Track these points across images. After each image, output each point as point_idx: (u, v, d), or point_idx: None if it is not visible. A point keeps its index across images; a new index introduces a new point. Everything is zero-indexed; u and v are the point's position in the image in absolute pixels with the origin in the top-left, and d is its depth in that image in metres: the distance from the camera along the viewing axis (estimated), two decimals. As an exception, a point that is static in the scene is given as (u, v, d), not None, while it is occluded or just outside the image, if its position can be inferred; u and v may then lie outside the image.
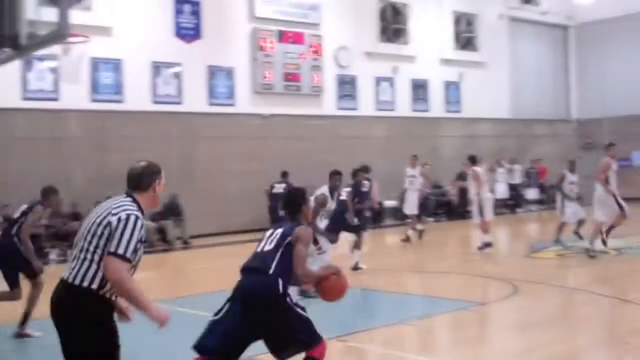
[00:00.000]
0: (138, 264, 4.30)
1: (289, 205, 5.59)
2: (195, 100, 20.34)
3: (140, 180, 4.43)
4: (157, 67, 19.70)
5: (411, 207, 17.87)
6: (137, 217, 4.20)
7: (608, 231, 13.48)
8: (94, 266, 4.14)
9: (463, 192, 22.35)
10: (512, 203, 25.56)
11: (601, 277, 11.94)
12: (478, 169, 15.25)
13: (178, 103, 20.06)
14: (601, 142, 29.69)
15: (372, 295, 11.02)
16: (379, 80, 24.59)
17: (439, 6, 26.30)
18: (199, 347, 5.02)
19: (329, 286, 5.45)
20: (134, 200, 4.35)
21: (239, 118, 21.12)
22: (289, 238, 5.22)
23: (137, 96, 19.24)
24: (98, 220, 4.21)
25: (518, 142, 28.72)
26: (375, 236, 19.96)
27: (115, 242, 4.10)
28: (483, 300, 10.01)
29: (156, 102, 19.71)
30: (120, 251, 4.08)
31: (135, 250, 4.15)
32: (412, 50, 25.39)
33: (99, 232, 4.17)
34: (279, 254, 5.16)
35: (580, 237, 14.69)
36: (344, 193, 12.80)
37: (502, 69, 28.58)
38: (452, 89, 26.88)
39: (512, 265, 13.56)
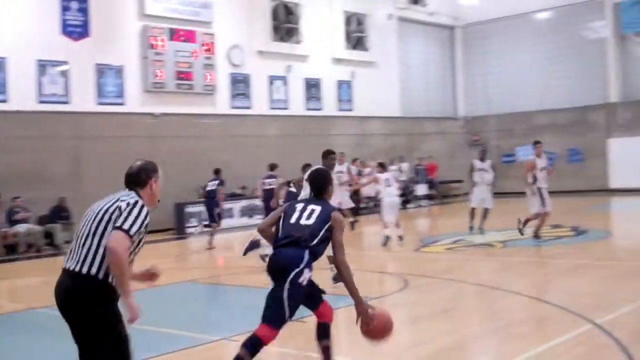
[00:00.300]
0: (138, 250, 4.53)
1: (318, 185, 5.91)
2: (84, 99, 19.83)
3: (137, 178, 4.63)
4: (43, 66, 19.09)
5: (340, 202, 18.20)
6: (143, 205, 4.45)
7: (525, 222, 14.52)
8: (100, 251, 4.30)
9: (356, 190, 22.72)
10: (403, 199, 26.15)
11: (487, 270, 12.40)
12: (382, 175, 15.70)
13: (65, 102, 19.51)
14: (487, 139, 30.98)
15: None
16: (272, 79, 24.69)
17: (329, 6, 26.61)
18: None
19: (380, 326, 5.66)
20: (138, 194, 4.56)
21: (130, 117, 20.76)
22: (330, 223, 5.55)
23: (22, 95, 18.61)
24: (105, 208, 4.42)
25: (408, 140, 29.41)
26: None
27: (121, 219, 4.30)
28: (375, 295, 10.20)
29: (42, 102, 19.11)
30: (125, 226, 4.27)
31: (138, 231, 4.33)
32: (304, 49, 25.60)
33: (106, 218, 4.37)
34: (320, 236, 5.50)
35: (482, 232, 15.63)
36: (293, 187, 13.30)
37: (392, 68, 29.21)
38: (344, 87, 27.27)
39: (403, 260, 13.88)
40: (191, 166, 21.57)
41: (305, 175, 11.03)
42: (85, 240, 4.37)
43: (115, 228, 4.28)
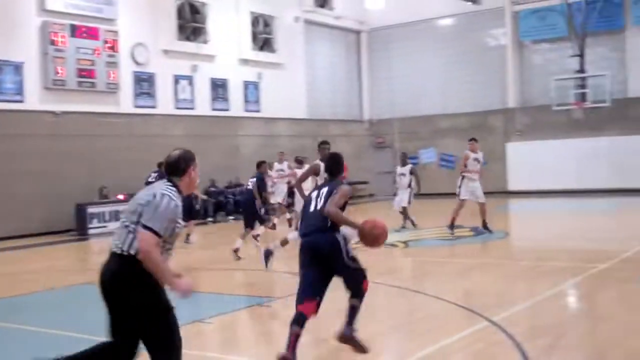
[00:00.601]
0: (174, 241, 4.78)
1: (331, 168, 6.81)
2: (-20, 96, 19.11)
3: (177, 167, 4.90)
4: (-64, 61, 18.31)
5: (281, 197, 18.38)
6: (170, 198, 4.65)
7: (484, 223, 15.53)
8: (131, 236, 4.58)
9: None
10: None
11: (390, 269, 12.62)
12: (300, 171, 16.22)
13: (-40, 99, 18.76)
14: (392, 141, 31.54)
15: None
16: (177, 79, 24.38)
17: (236, 6, 26.51)
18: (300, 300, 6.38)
19: (370, 225, 6.41)
20: (174, 185, 4.80)
21: (29, 115, 20.08)
22: (334, 192, 6.38)
23: None
24: (140, 201, 4.66)
25: (314, 142, 29.53)
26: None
27: (147, 215, 4.53)
28: (279, 295, 10.24)
29: None
30: (150, 224, 4.50)
31: (166, 227, 4.57)
32: (211, 49, 25.41)
33: (139, 210, 4.60)
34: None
35: (413, 224, 17.03)
36: (250, 183, 13.98)
37: (298, 70, 29.34)
38: (251, 88, 27.21)
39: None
40: (94, 166, 21.10)
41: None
42: (126, 225, 4.62)
43: (142, 226, 4.52)
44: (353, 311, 6.58)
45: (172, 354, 4.67)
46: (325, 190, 6.46)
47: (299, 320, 6.30)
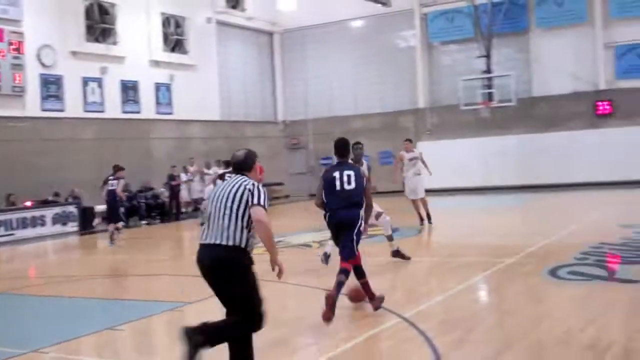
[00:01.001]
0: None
1: (342, 150, 8.08)
2: None
3: (245, 163, 5.76)
4: None
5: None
6: (260, 185, 5.60)
7: (428, 216, 16.86)
8: (239, 225, 5.39)
9: (175, 194, 22.65)
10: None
11: (304, 269, 12.66)
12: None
13: None
14: (306, 142, 31.70)
15: (78, 303, 10.63)
16: (86, 81, 23.85)
17: (147, 7, 26.14)
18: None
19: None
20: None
21: None
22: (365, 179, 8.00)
23: None
24: (233, 192, 5.48)
25: (228, 144, 29.44)
26: (85, 241, 19.45)
27: (255, 197, 5.43)
28: (195, 299, 10.16)
29: None
30: (261, 202, 5.43)
31: (268, 204, 5.55)
32: (121, 50, 24.99)
33: (238, 200, 5.43)
34: (364, 193, 7.97)
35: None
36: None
37: (211, 72, 29.17)
38: (162, 90, 26.89)
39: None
40: (2, 172, 20.43)
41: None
42: (224, 217, 5.40)
43: (254, 205, 5.39)
44: (339, 286, 7.67)
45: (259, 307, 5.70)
46: (352, 174, 7.82)
47: (343, 272, 7.78)
